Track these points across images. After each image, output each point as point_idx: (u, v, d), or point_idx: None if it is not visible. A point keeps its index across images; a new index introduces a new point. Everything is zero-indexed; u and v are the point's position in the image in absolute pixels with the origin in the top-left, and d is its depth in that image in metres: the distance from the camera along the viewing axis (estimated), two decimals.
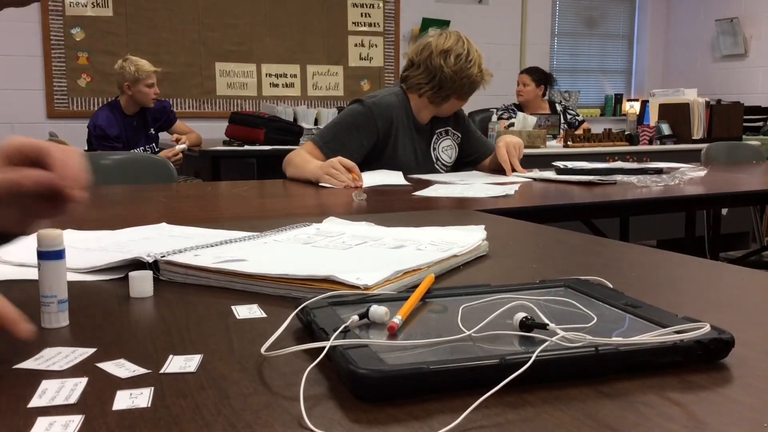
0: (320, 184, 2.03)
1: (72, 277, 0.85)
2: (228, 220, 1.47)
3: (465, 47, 2.30)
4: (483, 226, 1.13)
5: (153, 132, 4.20)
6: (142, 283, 0.81)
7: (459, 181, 2.13)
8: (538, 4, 6.64)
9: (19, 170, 0.66)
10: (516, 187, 1.96)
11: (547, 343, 0.56)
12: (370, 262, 0.92)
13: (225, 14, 5.45)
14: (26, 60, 4.96)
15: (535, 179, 2.22)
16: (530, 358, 0.53)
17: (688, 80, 6.59)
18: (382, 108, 2.28)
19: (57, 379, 0.56)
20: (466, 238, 1.04)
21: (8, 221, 0.70)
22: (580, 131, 4.32)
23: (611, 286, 0.78)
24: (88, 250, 1.01)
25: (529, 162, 2.47)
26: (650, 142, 4.28)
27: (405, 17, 6.10)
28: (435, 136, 2.44)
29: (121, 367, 0.58)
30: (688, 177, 2.22)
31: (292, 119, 4.58)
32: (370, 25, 5.99)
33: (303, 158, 2.20)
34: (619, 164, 2.39)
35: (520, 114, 4.22)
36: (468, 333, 0.61)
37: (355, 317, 0.63)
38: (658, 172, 2.28)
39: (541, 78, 4.95)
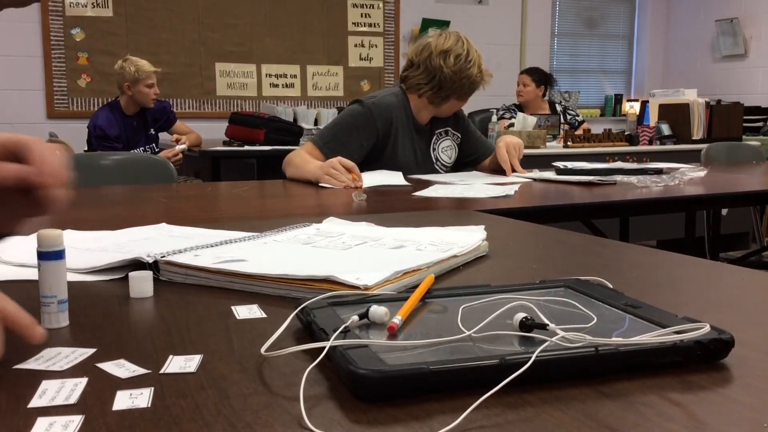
0: (320, 184, 2.03)
1: (72, 277, 0.85)
2: (228, 220, 1.47)
3: (465, 47, 2.30)
4: (483, 227, 1.13)
5: (153, 132, 4.20)
6: (142, 284, 0.81)
7: (459, 181, 2.13)
8: (538, 5, 6.64)
9: None
10: (516, 187, 1.96)
11: (547, 344, 0.56)
12: (370, 262, 0.92)
13: (225, 14, 5.45)
14: (26, 60, 4.97)
15: (535, 179, 2.22)
16: (530, 358, 0.53)
17: (688, 80, 6.59)
18: (381, 108, 2.28)
19: (57, 380, 0.56)
20: (466, 239, 1.04)
21: None
22: (580, 131, 4.32)
23: (611, 286, 0.78)
24: (88, 250, 1.01)
25: (529, 162, 2.47)
26: (650, 143, 4.28)
27: (405, 17, 6.10)
28: (435, 137, 2.44)
29: (121, 368, 0.58)
30: (688, 177, 2.22)
31: (292, 119, 4.58)
32: (370, 25, 5.99)
33: (303, 158, 2.20)
34: (619, 164, 2.39)
35: (519, 114, 4.22)
36: (468, 333, 0.61)
37: (355, 317, 0.63)
38: (658, 172, 2.28)
39: (542, 78, 4.95)
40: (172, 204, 1.81)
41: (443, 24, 5.93)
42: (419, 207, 1.65)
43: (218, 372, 0.58)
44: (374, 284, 0.78)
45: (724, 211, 4.13)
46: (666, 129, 4.40)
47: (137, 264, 0.90)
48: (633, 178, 2.14)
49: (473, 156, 2.56)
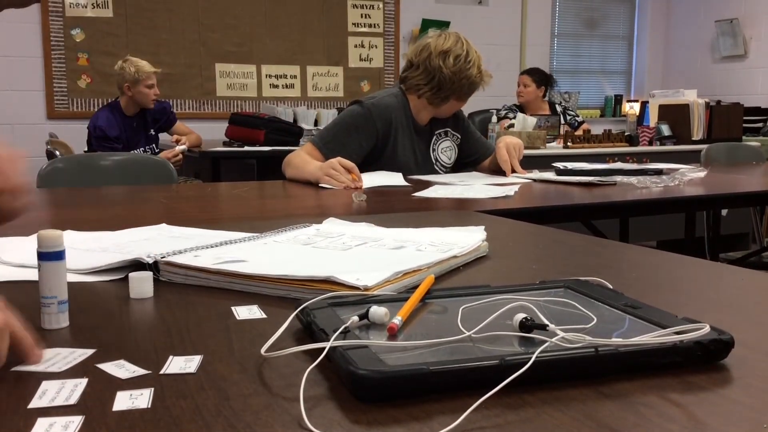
0: (320, 185, 2.03)
1: (72, 278, 0.85)
2: (228, 220, 1.47)
3: (464, 48, 2.30)
4: (483, 227, 1.13)
5: (153, 133, 4.20)
6: (142, 284, 0.82)
7: (459, 182, 2.13)
8: (538, 5, 6.64)
9: None
10: (516, 188, 1.96)
11: (546, 344, 0.56)
12: (370, 262, 0.92)
13: (225, 15, 5.45)
14: (26, 61, 4.96)
15: (534, 180, 2.22)
16: (530, 358, 0.53)
17: (687, 81, 6.59)
18: (381, 109, 2.28)
19: (57, 380, 0.56)
20: (466, 239, 1.04)
21: None
22: (579, 132, 4.32)
23: (611, 286, 0.78)
24: (89, 250, 1.01)
25: (528, 163, 2.47)
26: (650, 143, 4.28)
27: (405, 18, 6.10)
28: (434, 137, 2.44)
29: (121, 368, 0.58)
30: (687, 178, 2.22)
31: (292, 120, 4.58)
32: (370, 26, 5.99)
33: (303, 159, 2.20)
34: (618, 165, 2.39)
35: (519, 115, 4.22)
36: (468, 334, 0.61)
37: (355, 318, 0.63)
38: (658, 173, 2.28)
39: (542, 79, 4.95)
40: (172, 204, 1.81)
41: (443, 24, 5.93)
42: (419, 207, 1.65)
43: (218, 373, 0.58)
44: (374, 285, 0.78)
45: (724, 212, 4.13)
46: (666, 129, 4.40)
47: (137, 265, 0.90)
48: (633, 179, 2.14)
49: (473, 157, 2.56)
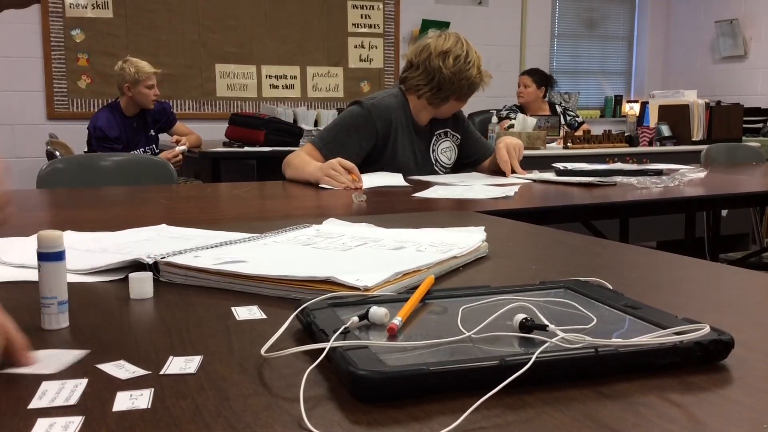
0: (320, 185, 2.03)
1: (72, 278, 0.85)
2: (228, 221, 1.47)
3: (464, 48, 2.30)
4: (483, 228, 1.13)
5: (153, 133, 4.20)
6: (141, 285, 0.82)
7: (459, 182, 2.13)
8: (537, 6, 6.64)
9: None
10: (516, 188, 1.96)
11: (546, 345, 0.56)
12: (370, 263, 0.92)
13: (225, 15, 5.45)
14: (26, 61, 4.97)
15: (534, 181, 2.22)
16: (530, 359, 0.53)
17: (687, 81, 6.59)
18: (380, 109, 2.28)
19: (57, 381, 0.56)
20: (466, 240, 1.04)
21: None
22: (579, 133, 4.32)
23: (611, 287, 0.78)
24: (88, 251, 1.01)
25: (528, 163, 2.47)
26: (650, 144, 4.28)
27: (405, 18, 6.10)
28: (434, 138, 2.44)
29: (121, 369, 0.58)
30: (687, 178, 2.22)
31: (292, 121, 4.58)
32: (370, 26, 5.99)
33: (302, 160, 2.21)
34: (618, 166, 2.39)
35: (519, 115, 4.22)
36: (468, 334, 0.61)
37: (355, 318, 0.63)
38: (658, 173, 2.28)
39: (542, 79, 4.95)
40: (172, 205, 1.81)
41: (443, 25, 5.93)
42: (419, 208, 1.65)
43: (218, 373, 0.58)
44: (374, 285, 0.78)
45: (724, 212, 4.13)
46: (666, 130, 4.40)
47: (137, 265, 0.90)
48: (633, 179, 2.14)
49: (473, 157, 2.56)
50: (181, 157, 3.98)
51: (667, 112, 4.50)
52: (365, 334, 0.63)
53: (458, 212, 1.56)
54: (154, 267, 0.89)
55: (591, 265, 1.03)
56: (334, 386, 0.54)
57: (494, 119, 4.05)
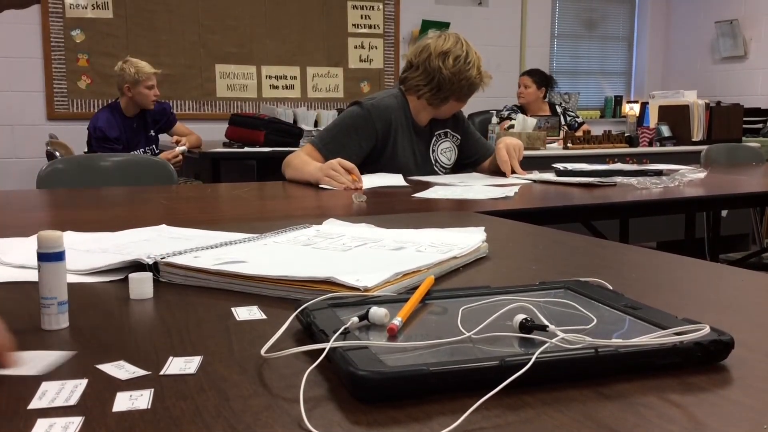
0: (320, 185, 2.03)
1: (72, 278, 0.85)
2: (228, 221, 1.47)
3: (464, 49, 2.30)
4: (483, 228, 1.13)
5: (153, 134, 4.21)
6: (141, 285, 0.82)
7: (458, 182, 2.13)
8: (537, 6, 6.65)
9: None
10: (516, 188, 1.96)
11: (546, 345, 0.56)
12: (370, 263, 0.92)
13: (225, 16, 5.45)
14: (26, 62, 4.97)
15: (534, 181, 2.22)
16: (530, 359, 0.53)
17: (687, 82, 6.59)
18: (380, 110, 2.28)
19: (57, 381, 0.56)
20: (466, 240, 1.04)
21: None
22: (579, 133, 4.32)
23: (611, 287, 0.78)
24: (88, 251, 1.01)
25: (528, 164, 2.47)
26: (650, 144, 4.28)
27: (405, 19, 6.10)
28: (434, 138, 2.44)
29: (120, 369, 0.58)
30: (687, 179, 2.22)
31: (292, 121, 4.58)
32: (369, 26, 5.99)
33: (302, 160, 2.21)
34: (618, 166, 2.39)
35: (519, 116, 4.22)
36: (468, 334, 0.61)
37: (355, 319, 0.63)
38: (658, 173, 2.28)
39: (542, 80, 4.95)
40: (172, 205, 1.81)
41: (443, 25, 5.93)
42: (419, 208, 1.65)
43: (218, 373, 0.58)
44: (374, 285, 0.78)
45: (724, 213, 4.13)
46: (666, 130, 4.40)
47: (137, 265, 0.90)
48: (633, 180, 2.14)
49: (473, 157, 2.56)
50: (181, 157, 3.98)
51: (667, 113, 4.50)
52: (365, 335, 0.63)
53: (458, 213, 1.56)
54: (154, 267, 0.89)
55: (591, 266, 1.03)
56: (334, 386, 0.54)
57: (494, 120, 4.05)
